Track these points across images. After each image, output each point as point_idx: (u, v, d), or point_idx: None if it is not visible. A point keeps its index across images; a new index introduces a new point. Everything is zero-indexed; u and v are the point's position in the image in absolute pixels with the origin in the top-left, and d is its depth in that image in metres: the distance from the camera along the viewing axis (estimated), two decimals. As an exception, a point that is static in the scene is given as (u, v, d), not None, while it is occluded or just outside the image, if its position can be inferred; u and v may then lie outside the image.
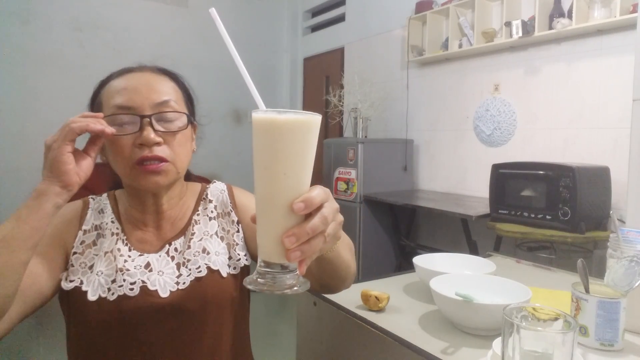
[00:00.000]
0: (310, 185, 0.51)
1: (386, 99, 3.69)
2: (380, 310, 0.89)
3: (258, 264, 0.50)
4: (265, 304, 3.42)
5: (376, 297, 0.89)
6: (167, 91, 0.80)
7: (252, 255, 0.89)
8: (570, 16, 2.44)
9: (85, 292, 0.75)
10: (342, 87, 3.91)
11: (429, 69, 3.50)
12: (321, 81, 4.73)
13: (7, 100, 3.74)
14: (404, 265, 3.30)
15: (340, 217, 0.55)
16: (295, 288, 0.49)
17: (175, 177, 0.80)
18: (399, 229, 3.38)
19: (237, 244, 0.87)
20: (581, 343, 0.74)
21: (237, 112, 4.62)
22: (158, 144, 0.75)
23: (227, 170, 4.36)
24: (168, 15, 4.41)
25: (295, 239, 0.48)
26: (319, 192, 0.50)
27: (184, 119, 0.80)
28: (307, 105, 4.98)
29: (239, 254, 0.87)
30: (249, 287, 0.49)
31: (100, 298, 0.75)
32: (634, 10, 2.23)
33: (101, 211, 0.84)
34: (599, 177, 2.21)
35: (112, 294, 0.75)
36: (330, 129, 4.47)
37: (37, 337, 2.68)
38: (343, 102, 3.77)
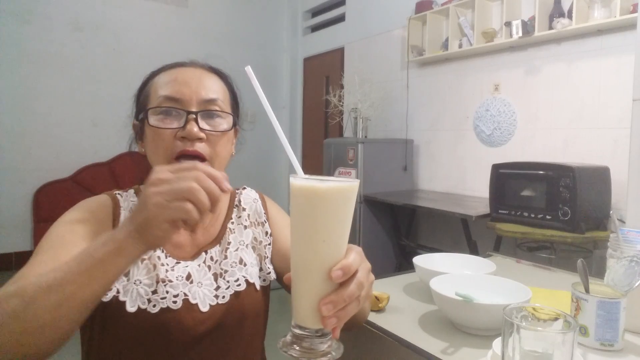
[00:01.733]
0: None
1: (386, 99, 3.69)
2: (380, 310, 0.89)
3: (292, 326, 0.50)
4: (265, 304, 3.39)
5: (376, 297, 0.88)
6: (216, 89, 0.78)
7: (276, 270, 0.86)
8: (570, 16, 2.44)
9: (123, 303, 0.69)
10: (342, 87, 3.91)
11: (429, 69, 3.50)
12: (321, 81, 4.73)
13: (7, 100, 3.74)
14: (404, 265, 3.30)
15: (372, 277, 0.55)
16: (331, 354, 0.49)
17: None
18: (399, 229, 3.38)
19: (267, 257, 0.85)
20: (581, 343, 0.74)
21: (242, 110, 4.61)
22: (200, 139, 0.73)
23: (227, 171, 4.33)
24: (168, 15, 4.41)
25: (332, 307, 0.47)
26: (355, 258, 0.50)
27: (229, 120, 0.78)
28: (307, 105, 4.98)
29: (269, 267, 0.84)
30: (284, 351, 0.49)
31: (139, 309, 0.69)
32: (634, 10, 2.23)
33: (131, 210, 0.78)
34: (599, 177, 2.21)
35: (154, 306, 0.70)
36: (330, 129, 4.47)
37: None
38: (343, 102, 3.77)
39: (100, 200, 0.77)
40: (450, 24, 3.15)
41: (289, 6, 5.09)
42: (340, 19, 4.50)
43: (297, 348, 0.49)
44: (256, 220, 0.87)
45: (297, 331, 0.49)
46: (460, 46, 3.11)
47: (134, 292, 0.70)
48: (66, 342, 0.55)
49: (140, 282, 0.71)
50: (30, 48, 3.80)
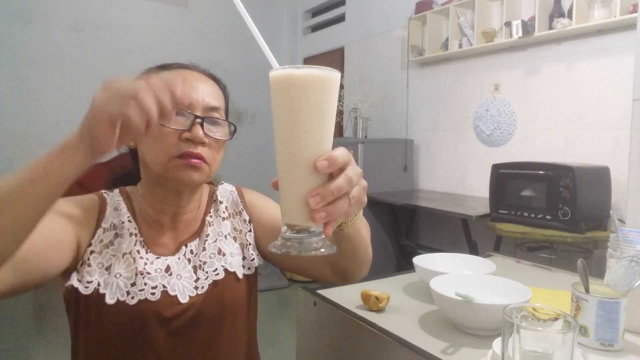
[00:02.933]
0: None
1: (386, 99, 3.69)
2: (380, 310, 0.89)
3: (282, 230, 0.49)
4: (265, 304, 3.41)
5: (376, 297, 0.88)
6: (218, 98, 0.81)
7: (263, 254, 0.90)
8: (570, 16, 2.44)
9: (103, 295, 0.72)
10: (342, 87, 3.90)
11: (429, 69, 3.50)
12: (321, 81, 4.72)
13: (7, 100, 3.74)
14: (404, 265, 3.30)
15: (364, 182, 0.55)
16: (322, 250, 0.47)
17: (206, 180, 0.80)
18: (399, 229, 3.38)
19: (249, 244, 0.88)
20: (581, 343, 0.74)
21: (236, 112, 4.61)
22: (204, 144, 0.76)
23: (226, 171, 4.35)
24: (168, 15, 4.41)
25: (320, 199, 0.46)
26: (342, 152, 0.49)
27: (226, 129, 0.81)
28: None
29: (252, 254, 0.87)
30: (275, 250, 0.48)
31: (118, 302, 0.72)
32: (634, 10, 2.22)
33: (116, 208, 0.81)
34: (599, 177, 2.21)
35: (132, 297, 0.73)
36: (330, 129, 4.47)
37: (37, 337, 2.68)
38: (343, 102, 3.77)
39: (88, 197, 0.81)
40: (450, 24, 3.15)
41: (289, 6, 5.09)
42: (340, 19, 4.50)
43: (288, 244, 0.47)
44: (234, 210, 0.91)
45: (287, 231, 0.48)
46: (460, 46, 3.11)
47: (113, 285, 0.73)
48: (13, 253, 0.54)
49: (120, 275, 0.74)
50: (30, 48, 3.80)
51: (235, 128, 0.83)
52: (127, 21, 4.22)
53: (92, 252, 0.75)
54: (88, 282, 0.73)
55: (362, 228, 0.72)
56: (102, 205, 0.80)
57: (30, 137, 3.84)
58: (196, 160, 0.75)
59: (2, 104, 3.73)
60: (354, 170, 0.51)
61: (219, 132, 0.79)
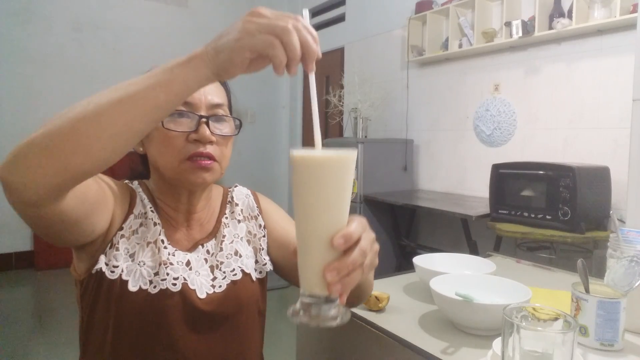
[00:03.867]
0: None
1: (386, 99, 3.69)
2: (380, 310, 0.89)
3: (301, 295, 0.52)
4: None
5: (376, 297, 0.89)
6: (220, 94, 0.81)
7: (274, 261, 0.90)
8: (570, 16, 2.44)
9: (126, 282, 0.72)
10: (342, 87, 3.91)
11: (429, 69, 3.50)
12: (321, 81, 4.72)
13: (7, 100, 3.74)
14: (404, 265, 3.30)
15: (377, 246, 0.56)
16: (338, 320, 0.51)
17: (218, 178, 0.81)
18: (399, 229, 3.38)
19: (262, 248, 0.88)
20: (581, 343, 0.74)
21: (237, 112, 4.61)
22: (212, 142, 0.76)
23: (227, 170, 4.35)
24: (168, 15, 4.42)
25: (336, 274, 0.49)
26: (357, 227, 0.51)
27: (232, 124, 0.82)
28: (307, 105, 4.97)
29: (264, 259, 0.87)
30: (293, 319, 0.51)
31: (140, 289, 0.73)
32: (634, 10, 2.23)
33: (141, 199, 0.82)
34: (599, 177, 2.21)
35: (154, 287, 0.73)
36: (330, 129, 4.47)
37: (37, 337, 2.68)
38: (343, 102, 3.77)
39: (120, 182, 0.81)
40: (450, 24, 3.15)
41: (289, 6, 5.09)
42: (340, 19, 4.50)
43: (306, 314, 0.51)
44: (249, 214, 0.91)
45: (306, 299, 0.51)
46: (460, 46, 3.11)
47: (137, 273, 0.73)
48: (117, 158, 0.55)
49: (144, 264, 0.74)
50: (30, 48, 3.80)
51: (240, 122, 0.84)
52: (127, 21, 4.22)
53: (122, 236, 0.75)
54: (114, 267, 0.73)
55: (370, 277, 0.76)
56: (133, 192, 0.80)
57: (30, 137, 3.84)
58: (207, 162, 0.75)
59: (2, 104, 3.73)
60: (367, 240, 0.53)
61: (226, 129, 0.80)
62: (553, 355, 0.50)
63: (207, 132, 0.75)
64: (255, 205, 0.92)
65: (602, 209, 2.17)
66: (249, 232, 0.89)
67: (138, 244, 0.76)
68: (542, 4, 2.56)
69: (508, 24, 2.71)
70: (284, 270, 0.90)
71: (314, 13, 5.00)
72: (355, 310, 0.88)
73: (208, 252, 0.82)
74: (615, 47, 2.39)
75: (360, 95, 3.55)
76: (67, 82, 3.96)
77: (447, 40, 3.21)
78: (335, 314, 0.51)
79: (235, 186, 0.95)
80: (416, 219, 3.54)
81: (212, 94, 0.79)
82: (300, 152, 0.50)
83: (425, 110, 3.55)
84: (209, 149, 0.76)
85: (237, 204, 0.90)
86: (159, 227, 0.78)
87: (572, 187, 2.09)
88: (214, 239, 0.84)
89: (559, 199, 2.14)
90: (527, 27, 2.61)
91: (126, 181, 0.84)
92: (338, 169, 0.49)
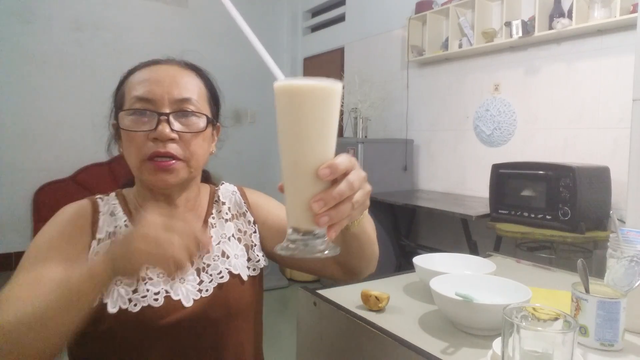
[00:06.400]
0: None
1: (386, 99, 3.69)
2: (380, 310, 0.89)
3: (288, 232, 0.51)
4: (266, 304, 3.39)
5: (376, 297, 0.88)
6: (191, 88, 0.77)
7: (268, 255, 0.89)
8: (570, 16, 2.44)
9: (105, 305, 0.70)
10: (342, 87, 3.90)
11: (429, 69, 3.50)
12: (321, 81, 4.73)
13: (7, 100, 3.74)
14: (404, 265, 3.30)
15: (369, 187, 0.56)
16: (326, 252, 0.50)
17: (187, 178, 0.77)
18: (399, 229, 3.38)
19: (254, 245, 0.86)
20: (581, 343, 0.74)
21: (237, 112, 4.62)
22: (173, 140, 0.72)
23: (227, 170, 4.35)
24: (168, 15, 4.41)
25: (322, 204, 0.48)
26: (344, 159, 0.51)
27: (203, 120, 0.77)
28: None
29: (257, 255, 0.86)
30: (281, 252, 0.50)
31: (121, 310, 0.70)
32: (634, 10, 2.22)
33: (112, 214, 0.79)
34: (599, 177, 2.21)
35: (135, 305, 0.71)
36: (330, 129, 4.47)
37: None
38: (343, 102, 3.77)
39: (79, 207, 0.78)
40: (450, 24, 3.15)
41: (289, 6, 5.09)
42: (340, 19, 4.50)
43: (292, 247, 0.50)
44: (237, 211, 0.89)
45: (293, 235, 0.51)
46: (460, 46, 3.11)
47: (114, 293, 0.71)
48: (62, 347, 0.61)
49: (121, 282, 0.71)
50: (30, 48, 3.80)
51: (212, 118, 0.79)
52: (127, 21, 4.22)
53: None
54: None
55: (367, 227, 0.73)
56: (94, 214, 0.77)
57: (30, 137, 3.84)
58: (167, 162, 0.72)
59: (3, 104, 3.73)
60: (356, 175, 0.52)
61: (194, 125, 0.75)
62: (553, 355, 0.50)
63: (166, 129, 0.71)
64: (243, 201, 0.90)
65: (602, 209, 2.17)
66: (239, 230, 0.87)
67: None
68: (542, 4, 2.56)
69: (508, 24, 2.71)
70: (285, 258, 0.85)
71: (314, 13, 5.00)
72: (355, 310, 0.88)
73: None
74: (615, 47, 2.39)
75: (360, 95, 3.55)
76: (67, 81, 3.96)
77: (447, 40, 3.21)
78: (323, 248, 0.50)
79: (222, 184, 0.92)
80: (416, 219, 3.54)
81: (179, 87, 0.75)
82: (281, 82, 0.50)
83: (425, 110, 3.55)
84: (170, 147, 0.72)
85: (224, 203, 0.88)
86: None
87: (572, 187, 2.09)
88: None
89: (559, 199, 2.14)
90: (527, 27, 2.61)
91: (97, 196, 0.81)
92: (322, 98, 0.49)
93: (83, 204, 0.79)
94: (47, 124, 3.89)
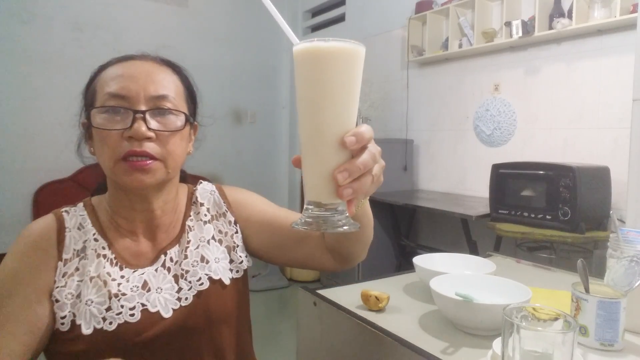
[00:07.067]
0: None
1: (386, 99, 3.69)
2: (380, 310, 0.89)
3: (305, 207, 0.48)
4: (266, 304, 3.42)
5: (376, 297, 0.88)
6: (167, 85, 0.73)
7: (252, 253, 0.86)
8: (570, 16, 2.44)
9: (79, 326, 0.67)
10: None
11: (429, 69, 3.50)
12: (321, 81, 4.73)
13: (7, 100, 3.74)
14: (404, 265, 3.30)
15: (383, 162, 0.53)
16: (346, 227, 0.47)
17: (164, 178, 0.73)
18: (399, 229, 3.38)
19: (237, 246, 0.83)
20: (581, 343, 0.74)
21: (237, 112, 4.62)
22: (149, 139, 0.68)
23: (227, 170, 4.36)
24: (168, 15, 4.41)
25: (347, 174, 0.46)
26: (368, 128, 0.48)
27: (181, 119, 0.73)
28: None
29: (240, 256, 0.82)
30: (299, 228, 0.47)
31: (96, 330, 0.67)
32: (634, 10, 2.22)
33: (80, 227, 0.75)
34: (599, 177, 2.21)
35: (110, 323, 0.67)
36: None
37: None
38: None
39: (43, 227, 0.74)
40: (450, 24, 3.15)
41: (289, 6, 5.09)
42: (340, 19, 4.50)
43: (311, 221, 0.47)
44: (217, 212, 0.85)
45: (312, 210, 0.48)
46: (460, 46, 3.11)
47: (87, 314, 0.68)
48: None
49: (92, 302, 0.68)
50: (30, 48, 3.80)
51: (190, 115, 0.76)
52: (127, 21, 4.22)
53: (56, 287, 0.70)
54: (62, 318, 0.68)
55: (368, 209, 0.71)
56: (60, 232, 0.73)
57: (30, 137, 3.84)
58: (143, 162, 0.68)
59: (3, 104, 3.73)
60: (375, 148, 0.50)
61: (172, 123, 0.72)
62: (553, 355, 0.50)
63: (142, 127, 0.67)
64: (222, 200, 0.86)
65: (602, 209, 2.17)
66: (219, 232, 0.83)
67: (80, 281, 0.70)
68: (542, 4, 2.56)
69: (508, 24, 2.71)
70: (282, 249, 0.84)
71: (314, 13, 5.00)
72: (355, 310, 0.88)
73: (172, 259, 0.76)
74: (615, 47, 2.39)
75: (360, 95, 3.55)
76: (67, 82, 3.96)
77: (447, 40, 3.21)
78: (342, 223, 0.47)
79: (200, 183, 0.88)
80: (416, 219, 3.54)
81: (155, 83, 0.71)
82: (302, 45, 0.46)
83: (425, 110, 3.55)
84: (146, 146, 0.68)
85: (202, 204, 0.84)
86: (102, 259, 0.72)
87: (572, 187, 2.09)
88: (177, 245, 0.78)
89: (559, 199, 2.14)
90: (527, 27, 2.61)
91: (63, 209, 0.77)
92: (346, 60, 0.46)
93: (48, 221, 0.75)
94: (47, 124, 3.89)
